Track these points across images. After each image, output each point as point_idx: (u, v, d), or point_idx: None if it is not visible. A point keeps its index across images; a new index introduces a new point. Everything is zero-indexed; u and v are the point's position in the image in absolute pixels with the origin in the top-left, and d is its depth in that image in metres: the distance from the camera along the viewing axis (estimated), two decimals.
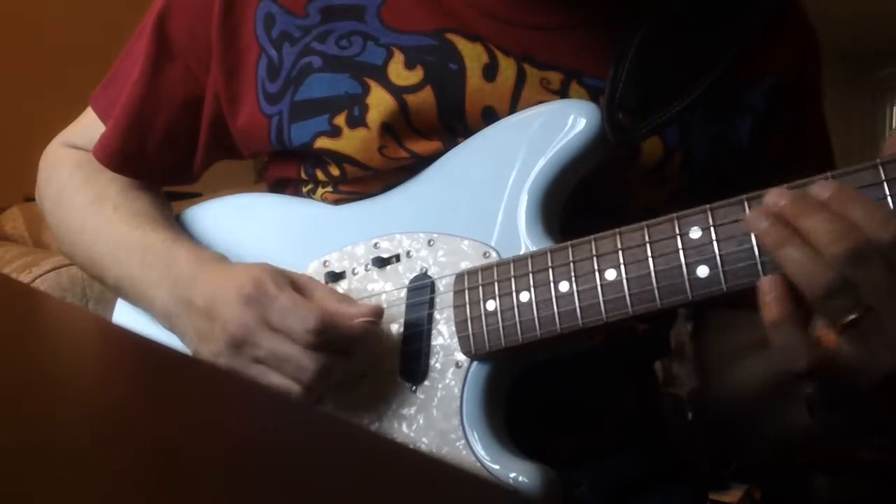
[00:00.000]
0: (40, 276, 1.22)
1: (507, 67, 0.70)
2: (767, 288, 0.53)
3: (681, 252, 0.56)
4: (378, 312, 0.64)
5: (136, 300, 0.77)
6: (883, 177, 0.51)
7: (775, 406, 0.68)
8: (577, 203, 0.67)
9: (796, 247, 0.52)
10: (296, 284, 0.65)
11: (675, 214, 0.57)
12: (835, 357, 0.53)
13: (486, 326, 0.63)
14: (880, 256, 0.50)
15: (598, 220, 0.61)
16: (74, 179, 0.85)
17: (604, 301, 0.58)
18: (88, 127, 0.87)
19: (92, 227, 0.81)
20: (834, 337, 0.53)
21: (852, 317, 0.51)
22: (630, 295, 0.57)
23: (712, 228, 0.55)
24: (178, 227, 0.82)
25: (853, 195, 0.52)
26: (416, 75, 0.70)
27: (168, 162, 0.84)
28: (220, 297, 0.65)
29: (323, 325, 0.61)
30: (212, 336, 0.65)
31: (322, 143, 0.72)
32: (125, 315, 0.82)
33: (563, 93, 0.70)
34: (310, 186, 0.78)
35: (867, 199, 0.51)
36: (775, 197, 0.53)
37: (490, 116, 0.69)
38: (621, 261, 0.58)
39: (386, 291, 0.69)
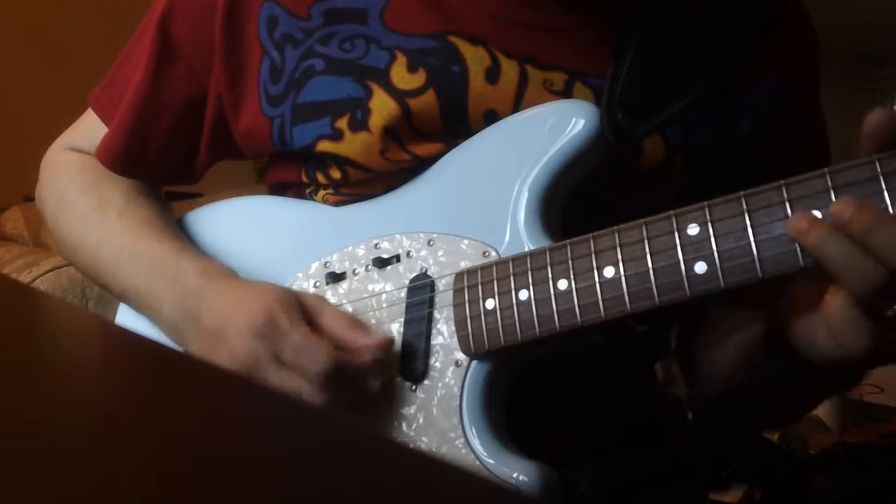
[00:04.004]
0: (40, 276, 1.22)
1: (509, 70, 0.69)
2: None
3: (679, 249, 0.56)
4: (387, 344, 0.64)
5: (141, 310, 0.76)
6: (879, 170, 0.51)
7: (762, 368, 0.68)
8: (581, 203, 0.67)
9: (842, 244, 0.50)
10: (306, 310, 0.65)
11: (672, 211, 0.57)
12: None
13: (486, 325, 0.63)
14: None
15: (600, 219, 0.60)
16: (77, 185, 0.84)
17: (602, 299, 0.58)
18: (89, 129, 0.86)
19: (95, 235, 0.80)
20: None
21: None
22: (628, 292, 0.57)
23: (710, 224, 0.55)
24: (183, 235, 0.81)
25: (878, 215, 0.49)
26: (418, 78, 0.70)
27: (171, 163, 0.84)
28: (230, 321, 0.64)
29: (334, 367, 0.61)
30: (217, 359, 0.65)
31: (323, 146, 0.72)
32: (128, 316, 0.82)
33: (566, 93, 0.70)
34: (311, 188, 0.77)
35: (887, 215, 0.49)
36: (841, 207, 0.50)
37: (493, 119, 0.69)
38: (620, 258, 0.58)
39: (386, 291, 0.69)
